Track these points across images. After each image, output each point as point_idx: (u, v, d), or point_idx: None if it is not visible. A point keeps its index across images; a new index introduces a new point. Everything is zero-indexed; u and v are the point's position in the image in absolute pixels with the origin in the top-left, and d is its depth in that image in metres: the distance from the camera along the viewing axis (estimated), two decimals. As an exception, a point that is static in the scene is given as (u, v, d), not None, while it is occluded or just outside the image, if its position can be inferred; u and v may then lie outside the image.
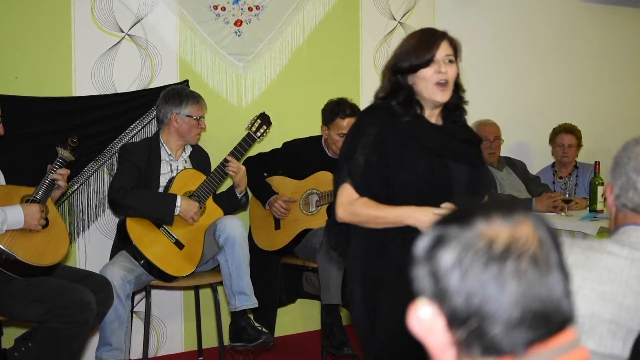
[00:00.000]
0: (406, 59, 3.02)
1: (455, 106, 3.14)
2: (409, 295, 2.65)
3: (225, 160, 4.75)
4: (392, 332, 2.82)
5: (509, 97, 6.81)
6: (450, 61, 3.01)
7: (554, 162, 6.50)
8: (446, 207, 2.84)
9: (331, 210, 3.11)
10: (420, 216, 2.87)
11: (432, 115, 3.10)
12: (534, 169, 6.48)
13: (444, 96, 3.01)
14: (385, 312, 2.95)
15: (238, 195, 4.84)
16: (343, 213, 3.01)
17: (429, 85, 3.00)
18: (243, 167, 4.81)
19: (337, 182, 3.07)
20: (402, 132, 3.01)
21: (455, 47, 3.08)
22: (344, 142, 3.15)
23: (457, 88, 3.13)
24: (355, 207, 2.97)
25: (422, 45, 3.01)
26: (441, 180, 3.00)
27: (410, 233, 2.82)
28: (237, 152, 4.80)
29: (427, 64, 2.98)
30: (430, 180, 2.98)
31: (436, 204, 2.86)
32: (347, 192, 2.99)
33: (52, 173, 4.20)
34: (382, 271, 2.99)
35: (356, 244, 3.09)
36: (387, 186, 2.98)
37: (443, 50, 3.00)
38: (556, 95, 7.08)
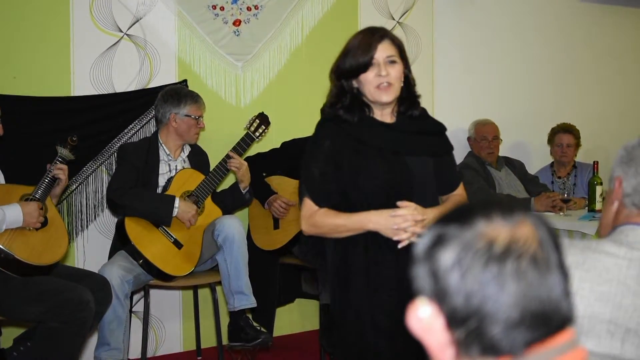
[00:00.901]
0: (347, 62, 3.02)
1: (405, 102, 3.09)
2: (376, 302, 2.73)
3: (228, 157, 4.75)
4: (356, 337, 2.96)
5: (508, 97, 6.81)
6: (392, 62, 2.98)
7: (552, 162, 6.51)
8: (403, 206, 2.88)
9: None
10: (378, 219, 2.89)
11: (384, 115, 3.07)
12: (532, 169, 6.48)
13: (388, 96, 2.98)
14: (351, 320, 2.99)
15: (242, 191, 4.84)
16: (306, 226, 3.04)
17: (371, 88, 2.98)
18: (245, 163, 4.81)
19: (299, 197, 3.08)
20: (353, 137, 3.01)
21: (398, 44, 3.04)
22: (302, 160, 3.13)
23: (408, 83, 3.08)
24: (315, 218, 2.99)
25: (360, 48, 2.99)
26: (400, 177, 2.97)
27: (372, 240, 2.89)
28: (236, 151, 4.80)
29: (366, 67, 2.97)
30: (388, 179, 2.96)
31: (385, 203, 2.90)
32: (307, 206, 3.01)
33: (51, 171, 4.20)
34: (350, 277, 2.99)
35: (329, 254, 3.09)
36: (344, 195, 2.97)
37: (383, 52, 2.97)
38: (555, 95, 7.09)
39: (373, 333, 2.92)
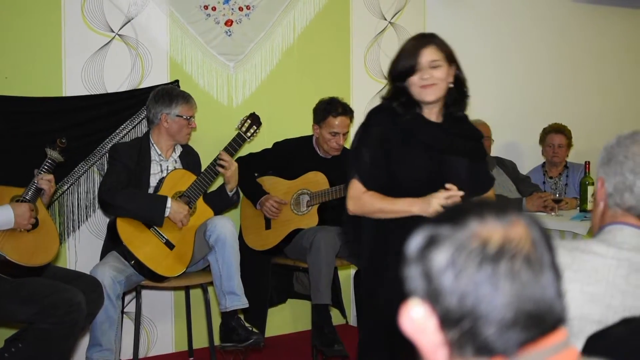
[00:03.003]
0: (398, 66, 3.34)
1: (454, 102, 3.40)
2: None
3: (219, 157, 4.75)
4: (388, 311, 3.01)
5: (499, 97, 6.82)
6: (436, 66, 3.27)
7: (544, 162, 6.52)
8: (451, 188, 3.15)
9: (344, 206, 3.42)
10: (423, 203, 3.15)
11: (432, 114, 3.36)
12: (524, 169, 6.49)
13: (431, 95, 3.29)
14: (385, 293, 3.19)
15: (229, 193, 4.84)
16: (353, 206, 3.35)
17: (416, 89, 3.29)
18: (235, 164, 4.80)
19: (347, 177, 3.40)
20: (402, 130, 3.31)
21: (445, 49, 3.33)
22: (353, 142, 3.45)
23: (459, 84, 3.39)
24: (363, 200, 3.29)
25: (407, 54, 3.32)
26: (439, 173, 3.26)
27: (410, 222, 3.06)
28: (228, 152, 4.79)
29: (412, 72, 3.28)
30: (428, 173, 3.26)
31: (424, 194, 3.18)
32: (355, 187, 3.32)
33: (40, 174, 4.19)
34: (385, 257, 3.27)
35: (366, 234, 3.39)
36: (391, 180, 3.28)
37: (427, 57, 3.27)
38: (546, 95, 7.10)
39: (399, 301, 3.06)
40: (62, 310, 3.90)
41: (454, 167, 3.33)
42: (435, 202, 3.12)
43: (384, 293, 3.23)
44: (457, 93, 3.39)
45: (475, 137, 3.52)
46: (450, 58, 3.34)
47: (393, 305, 3.11)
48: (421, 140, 3.32)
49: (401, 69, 3.30)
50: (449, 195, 3.14)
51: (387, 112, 3.36)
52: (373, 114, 3.41)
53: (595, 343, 1.76)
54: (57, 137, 4.31)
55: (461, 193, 3.15)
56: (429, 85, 3.27)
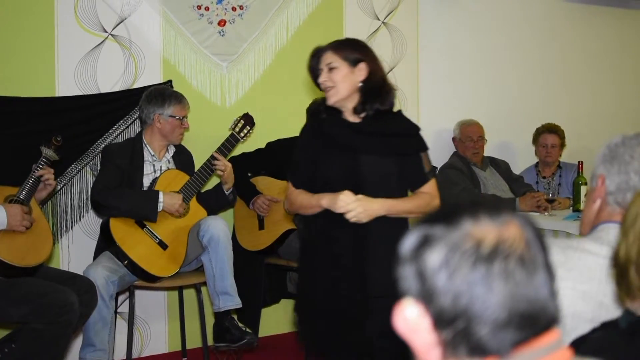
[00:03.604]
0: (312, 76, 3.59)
1: (368, 100, 3.48)
2: (325, 262, 3.40)
3: (213, 158, 4.75)
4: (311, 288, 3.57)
5: (492, 97, 6.83)
6: (332, 68, 3.44)
7: (537, 162, 6.53)
8: (343, 193, 3.33)
9: None
10: (330, 200, 3.36)
11: (349, 115, 3.52)
12: (517, 169, 6.50)
13: (331, 97, 3.46)
14: (310, 274, 3.59)
15: (226, 193, 4.84)
16: (286, 204, 3.77)
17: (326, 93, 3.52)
18: (230, 165, 4.81)
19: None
20: (323, 133, 3.53)
21: (345, 51, 3.48)
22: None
23: (371, 84, 3.46)
24: (290, 197, 3.60)
25: (311, 62, 3.55)
26: (354, 172, 3.42)
27: (328, 215, 3.38)
28: (221, 152, 4.79)
29: (317, 77, 3.51)
30: (345, 173, 3.43)
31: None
32: (289, 188, 3.62)
33: (36, 172, 4.18)
34: (311, 244, 3.61)
35: (299, 227, 3.87)
36: (317, 181, 3.50)
37: (324, 62, 3.47)
38: (539, 95, 7.11)
39: (324, 284, 3.48)
40: (55, 311, 3.89)
41: (369, 166, 3.43)
42: (340, 200, 3.32)
43: (309, 284, 3.60)
44: (370, 91, 3.46)
45: (403, 132, 3.56)
46: (355, 59, 3.45)
47: (316, 290, 3.46)
48: (338, 142, 3.48)
49: (313, 77, 3.55)
50: (347, 200, 3.32)
51: (314, 117, 3.66)
52: (307, 120, 3.72)
53: (577, 348, 1.76)
54: (51, 137, 4.30)
55: (353, 199, 3.32)
56: (328, 88, 3.44)
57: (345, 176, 3.42)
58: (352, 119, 3.51)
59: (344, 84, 3.42)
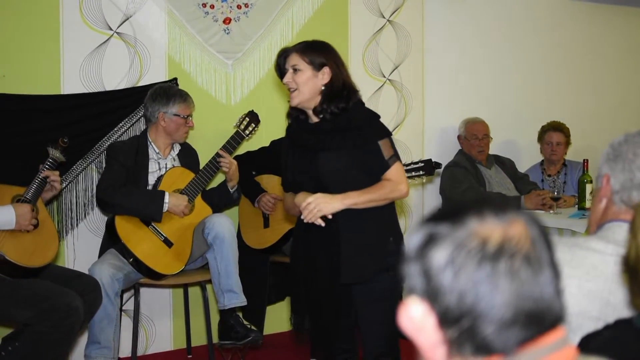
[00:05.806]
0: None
1: (328, 100, 3.52)
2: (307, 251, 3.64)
3: (218, 155, 4.75)
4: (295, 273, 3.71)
5: (498, 95, 6.82)
6: (296, 70, 3.52)
7: (542, 160, 6.52)
8: (299, 195, 3.50)
9: None
10: (299, 198, 3.49)
11: (311, 116, 3.59)
12: (522, 167, 6.50)
13: (293, 99, 3.54)
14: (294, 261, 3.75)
15: (230, 190, 4.84)
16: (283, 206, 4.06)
17: None
18: (235, 162, 4.82)
19: None
20: (290, 136, 3.68)
21: (309, 54, 3.55)
22: None
23: (333, 87, 3.52)
24: (283, 200, 3.82)
25: (278, 61, 3.64)
26: (315, 170, 3.50)
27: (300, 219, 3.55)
28: (226, 149, 4.80)
29: (283, 75, 3.59)
30: (308, 172, 3.53)
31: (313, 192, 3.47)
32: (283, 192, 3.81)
33: (42, 172, 4.19)
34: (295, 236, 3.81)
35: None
36: (292, 182, 3.64)
37: (289, 62, 3.55)
38: (545, 94, 7.10)
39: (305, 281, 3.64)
40: (59, 315, 3.89)
41: (327, 163, 3.49)
42: (296, 202, 3.50)
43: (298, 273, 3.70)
44: (331, 94, 3.51)
45: (354, 125, 3.54)
46: (320, 63, 3.51)
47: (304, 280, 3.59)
48: (297, 144, 3.61)
49: (279, 76, 3.64)
50: (299, 201, 3.47)
51: (289, 122, 3.73)
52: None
53: (587, 344, 1.76)
54: (57, 136, 4.31)
55: (304, 200, 3.42)
56: (291, 89, 3.53)
57: (309, 176, 3.52)
58: (314, 119, 3.57)
59: (306, 86, 3.50)
